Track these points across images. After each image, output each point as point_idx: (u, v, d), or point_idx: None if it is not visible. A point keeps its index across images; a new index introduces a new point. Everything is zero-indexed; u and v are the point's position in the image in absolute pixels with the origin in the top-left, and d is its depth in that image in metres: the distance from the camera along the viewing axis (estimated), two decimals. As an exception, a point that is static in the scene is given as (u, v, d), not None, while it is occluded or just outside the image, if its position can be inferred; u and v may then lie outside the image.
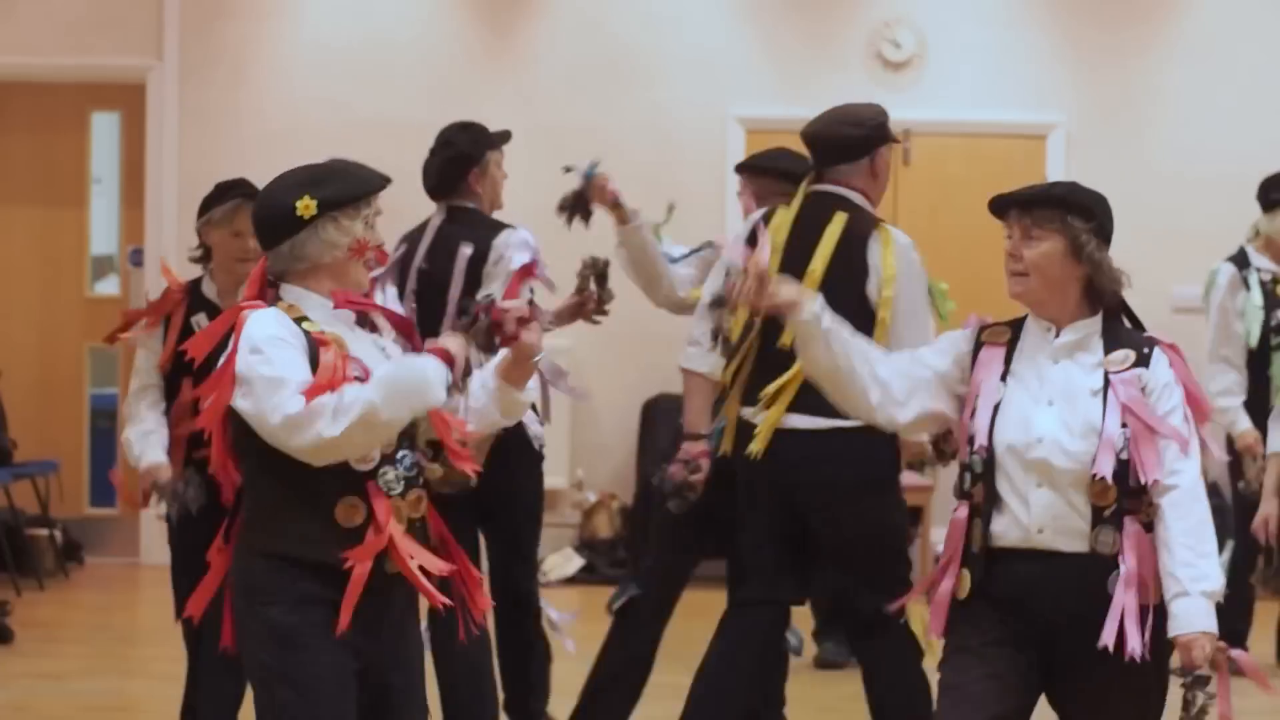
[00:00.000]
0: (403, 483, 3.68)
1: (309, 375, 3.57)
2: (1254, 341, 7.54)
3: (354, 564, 3.59)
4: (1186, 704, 3.70)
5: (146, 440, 5.12)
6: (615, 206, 5.97)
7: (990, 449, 3.80)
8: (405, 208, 10.09)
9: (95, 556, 10.09)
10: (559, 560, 9.77)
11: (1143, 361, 3.82)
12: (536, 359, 3.83)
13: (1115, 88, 9.99)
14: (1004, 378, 3.85)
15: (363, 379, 3.60)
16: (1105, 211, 4.05)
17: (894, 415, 3.93)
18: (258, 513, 3.71)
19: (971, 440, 3.85)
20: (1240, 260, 7.67)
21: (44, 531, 9.60)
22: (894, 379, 3.91)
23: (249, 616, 3.68)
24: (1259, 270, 7.62)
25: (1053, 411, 3.79)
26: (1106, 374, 3.81)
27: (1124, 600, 3.71)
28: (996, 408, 3.82)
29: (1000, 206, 3.93)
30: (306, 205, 3.68)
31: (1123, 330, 3.91)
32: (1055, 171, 9.95)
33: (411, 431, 3.71)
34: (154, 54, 10.05)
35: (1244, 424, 7.54)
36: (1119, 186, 10.00)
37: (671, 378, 9.69)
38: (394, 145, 10.02)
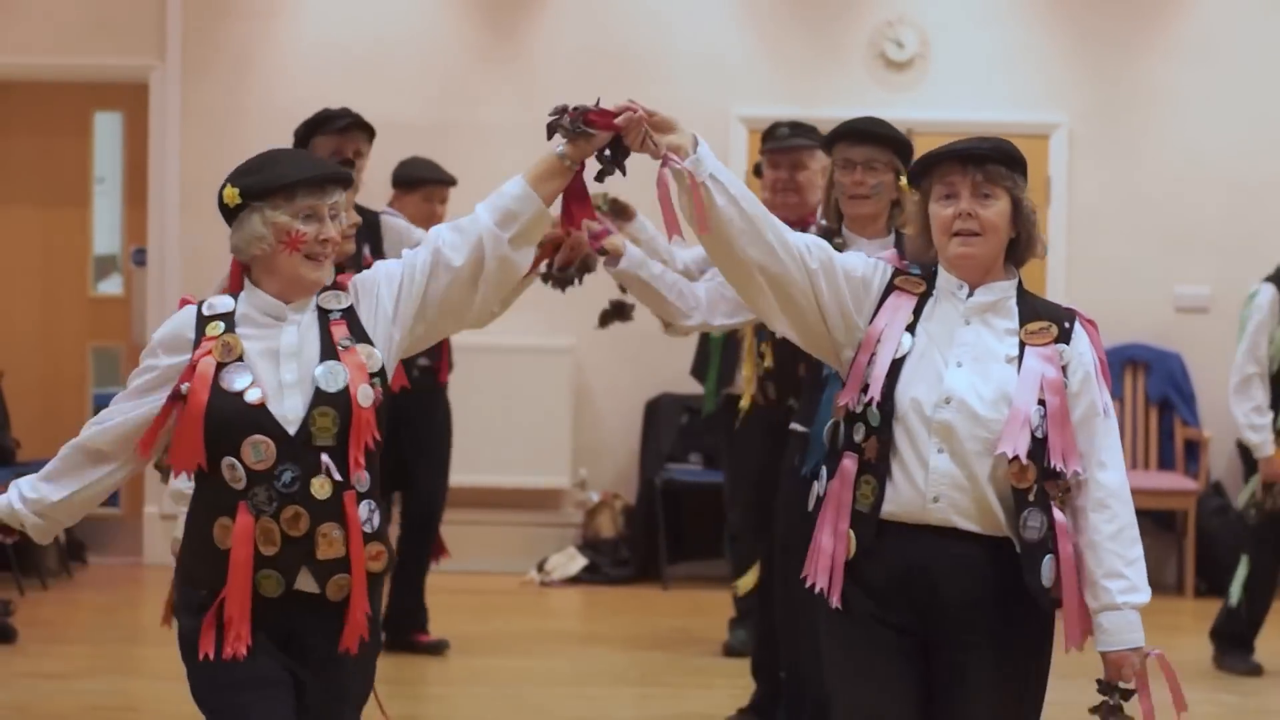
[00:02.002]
0: (276, 501, 3.50)
1: (144, 410, 3.58)
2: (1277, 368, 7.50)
3: (223, 593, 3.51)
4: (1106, 715, 3.55)
5: None
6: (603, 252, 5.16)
7: (891, 403, 3.55)
8: (408, 207, 10.11)
9: (99, 556, 10.10)
10: (562, 560, 9.78)
11: (1063, 336, 3.60)
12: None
13: (1118, 87, 9.99)
14: (910, 329, 3.61)
15: (227, 391, 3.52)
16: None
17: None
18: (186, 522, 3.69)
19: (865, 389, 3.59)
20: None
21: (47, 531, 9.60)
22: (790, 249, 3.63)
23: (181, 626, 3.67)
24: None
25: (962, 374, 3.55)
26: (1022, 343, 3.59)
27: (1069, 598, 3.54)
28: (900, 361, 3.58)
29: (934, 161, 3.65)
30: (230, 193, 3.61)
31: (1037, 298, 3.69)
32: (1058, 171, 9.94)
33: (301, 441, 3.52)
34: (156, 54, 10.05)
35: (1270, 448, 7.46)
36: (1122, 186, 10.05)
37: (673, 378, 9.73)
38: (396, 145, 10.02)
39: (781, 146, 6.46)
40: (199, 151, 10.02)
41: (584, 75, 9.99)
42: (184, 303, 3.68)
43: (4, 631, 7.86)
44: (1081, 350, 3.61)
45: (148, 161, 10.09)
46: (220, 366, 3.53)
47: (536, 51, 10.05)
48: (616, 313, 5.65)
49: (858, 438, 3.61)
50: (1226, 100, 9.93)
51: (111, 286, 10.47)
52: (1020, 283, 3.69)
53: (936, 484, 3.54)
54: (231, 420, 3.50)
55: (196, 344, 3.57)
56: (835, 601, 3.61)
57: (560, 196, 3.74)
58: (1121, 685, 3.56)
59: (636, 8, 10.06)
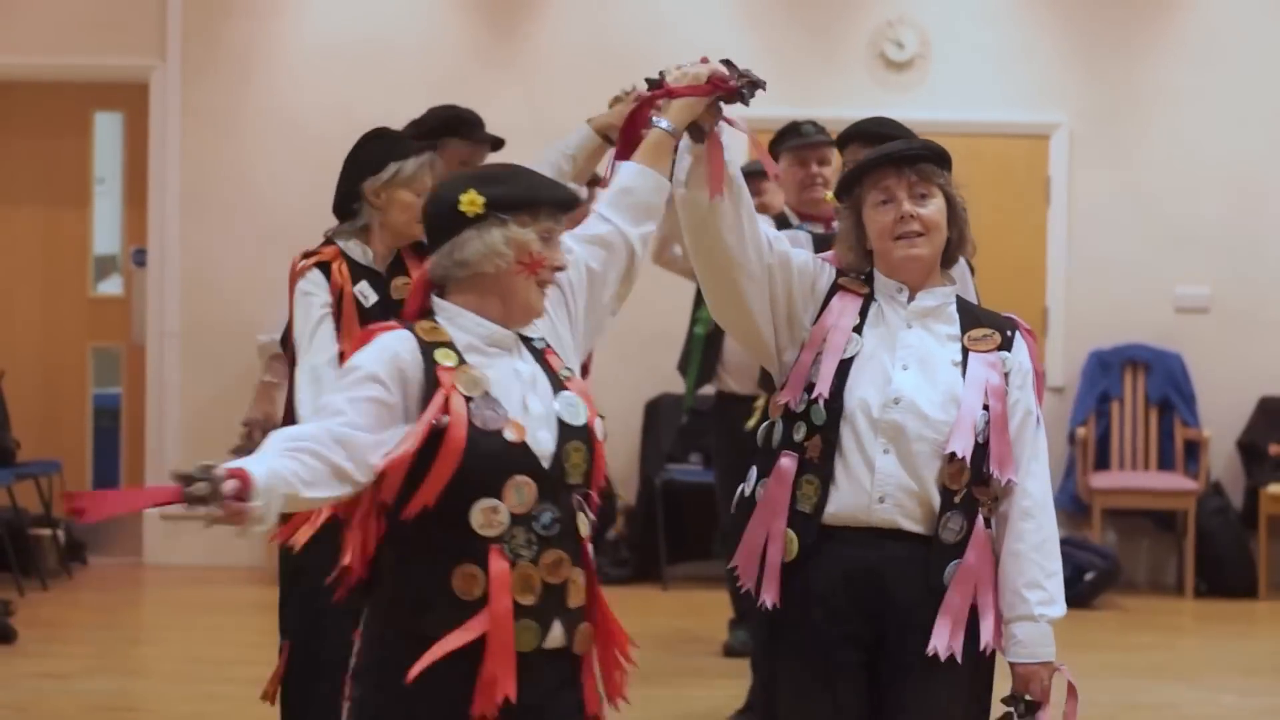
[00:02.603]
0: (535, 545, 3.17)
1: (378, 439, 3.11)
2: None
3: (454, 642, 3.12)
4: None
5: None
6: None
7: (840, 402, 3.51)
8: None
9: (98, 556, 10.10)
10: (562, 560, 9.77)
11: (1005, 344, 3.60)
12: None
13: (1118, 87, 9.99)
14: (858, 330, 3.57)
15: (484, 429, 3.16)
16: None
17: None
18: (385, 575, 3.22)
19: (810, 388, 3.55)
20: None
21: (47, 531, 9.60)
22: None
23: (369, 689, 3.22)
24: None
25: (909, 376, 3.53)
26: (965, 349, 3.58)
27: (954, 600, 3.50)
28: (848, 361, 3.54)
29: (867, 168, 3.62)
30: (472, 200, 3.21)
31: (973, 305, 3.70)
32: (1058, 171, 9.94)
33: (555, 479, 3.22)
34: (157, 54, 10.05)
35: None
36: (1122, 186, 10.05)
37: (673, 378, 9.72)
38: (397, 145, 10.03)
39: (810, 142, 6.46)
40: (199, 152, 10.02)
41: (583, 76, 9.98)
42: (384, 328, 3.25)
43: (4, 632, 7.86)
44: (1022, 359, 3.61)
45: (148, 162, 10.09)
46: (468, 401, 3.18)
47: (536, 52, 10.05)
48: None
49: (798, 436, 3.57)
50: (1227, 100, 9.93)
51: (111, 287, 10.47)
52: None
53: (883, 484, 3.51)
54: (494, 461, 3.16)
55: (429, 374, 3.17)
56: (771, 601, 3.54)
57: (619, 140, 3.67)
58: (1028, 698, 3.53)
59: (636, 8, 10.07)
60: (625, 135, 3.63)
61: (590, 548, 3.27)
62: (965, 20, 10.03)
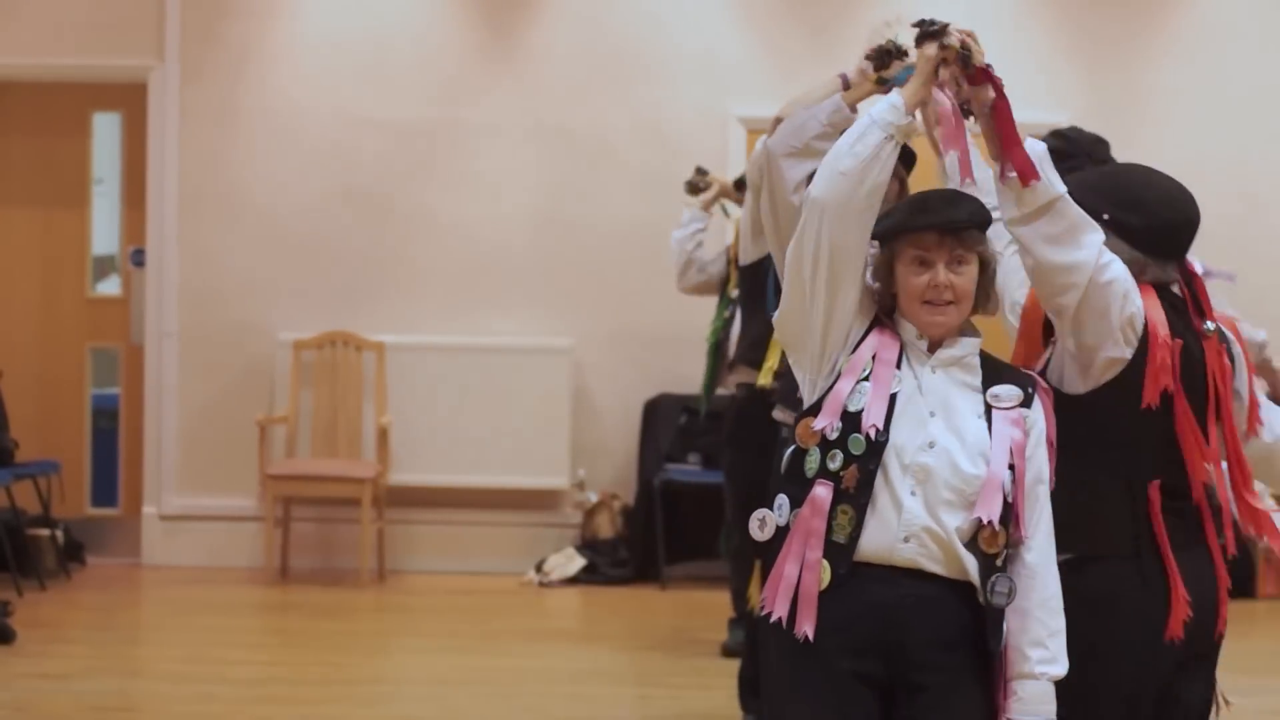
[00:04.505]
0: None
1: None
2: None
3: None
4: None
5: None
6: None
7: (885, 437, 3.52)
8: (405, 207, 10.13)
9: (97, 557, 10.10)
10: (560, 560, 9.78)
11: (1026, 401, 3.63)
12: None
13: (1119, 87, 10.00)
14: (898, 367, 3.59)
15: None
16: None
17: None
18: None
19: (851, 418, 3.55)
20: None
21: (45, 532, 9.60)
22: None
23: None
24: None
25: (938, 422, 3.56)
26: (988, 405, 3.60)
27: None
28: (893, 397, 3.55)
29: (924, 228, 3.62)
30: None
31: (996, 360, 3.69)
32: (1057, 171, 9.95)
33: None
34: (155, 55, 10.06)
35: None
36: (1120, 186, 10.05)
37: (671, 378, 9.73)
38: (395, 145, 10.03)
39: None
40: (198, 152, 10.02)
41: (582, 75, 9.99)
42: None
43: (3, 632, 7.86)
44: (1039, 420, 3.64)
45: (146, 162, 10.09)
46: None
47: (535, 51, 10.05)
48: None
49: (834, 465, 3.55)
50: (1226, 99, 9.93)
51: (110, 287, 10.47)
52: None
53: (909, 525, 3.51)
54: None
55: None
56: (809, 633, 3.52)
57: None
58: None
59: (635, 7, 10.07)
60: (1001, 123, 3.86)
61: None
62: (965, 20, 9.97)
